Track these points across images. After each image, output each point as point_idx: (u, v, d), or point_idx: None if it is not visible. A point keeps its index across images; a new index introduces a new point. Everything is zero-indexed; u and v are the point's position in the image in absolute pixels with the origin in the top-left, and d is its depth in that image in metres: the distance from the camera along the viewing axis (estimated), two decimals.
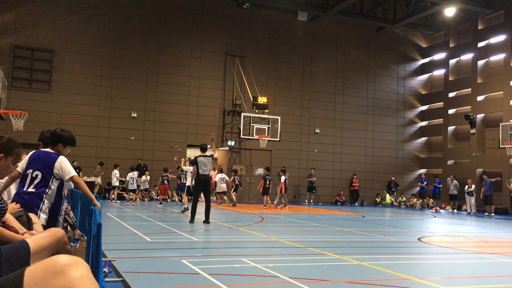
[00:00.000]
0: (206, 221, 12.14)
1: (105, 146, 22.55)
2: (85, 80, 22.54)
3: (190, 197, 15.61)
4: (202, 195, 13.04)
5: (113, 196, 20.07)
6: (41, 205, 4.91)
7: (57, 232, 3.28)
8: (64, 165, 5.04)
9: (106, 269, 5.49)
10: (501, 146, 21.89)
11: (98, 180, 21.19)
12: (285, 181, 20.29)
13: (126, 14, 23.54)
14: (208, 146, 13.31)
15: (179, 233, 10.26)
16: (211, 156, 12.62)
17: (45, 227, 4.71)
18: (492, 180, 21.25)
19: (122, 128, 22.97)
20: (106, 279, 5.13)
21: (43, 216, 4.94)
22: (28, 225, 4.12)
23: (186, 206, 15.98)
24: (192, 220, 12.20)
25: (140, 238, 9.04)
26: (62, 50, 22.20)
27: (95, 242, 4.41)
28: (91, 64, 22.71)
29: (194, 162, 12.55)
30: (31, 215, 4.38)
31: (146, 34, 23.76)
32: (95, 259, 4.31)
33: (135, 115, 23.26)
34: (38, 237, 3.09)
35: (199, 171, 12.33)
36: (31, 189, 4.92)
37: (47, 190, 4.98)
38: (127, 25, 23.49)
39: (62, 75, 22.19)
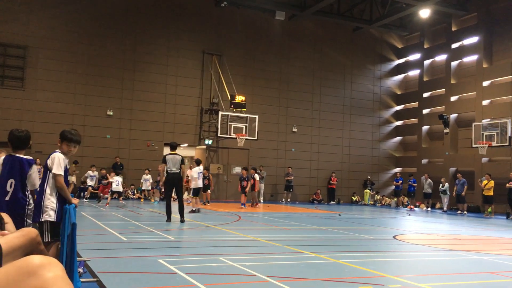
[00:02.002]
0: (181, 220, 12.13)
1: (80, 144, 22.17)
2: (59, 77, 22.13)
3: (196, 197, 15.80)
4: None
5: (87, 195, 20.00)
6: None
7: (30, 232, 3.21)
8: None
9: (81, 269, 5.41)
10: (473, 146, 22.38)
11: (73, 179, 20.88)
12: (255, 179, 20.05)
13: (102, 11, 23.19)
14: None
15: (156, 232, 10.18)
16: (181, 156, 12.61)
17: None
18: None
19: (97, 126, 22.64)
20: (81, 279, 5.06)
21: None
22: (0, 225, 4.03)
23: (194, 208, 15.46)
24: (168, 219, 12.15)
25: (115, 238, 8.93)
26: (36, 47, 21.73)
27: (70, 242, 4.34)
28: (66, 61, 22.30)
29: (163, 160, 12.65)
30: (3, 214, 4.28)
31: (122, 31, 23.46)
32: (69, 259, 4.25)
33: (111, 113, 22.96)
34: (10, 237, 3.02)
35: (167, 169, 12.36)
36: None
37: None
38: (103, 22, 23.15)
39: (35, 72, 21.73)
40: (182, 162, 12.56)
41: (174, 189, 12.68)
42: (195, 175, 15.91)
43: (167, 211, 12.32)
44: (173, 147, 12.92)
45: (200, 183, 16.04)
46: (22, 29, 21.53)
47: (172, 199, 13.47)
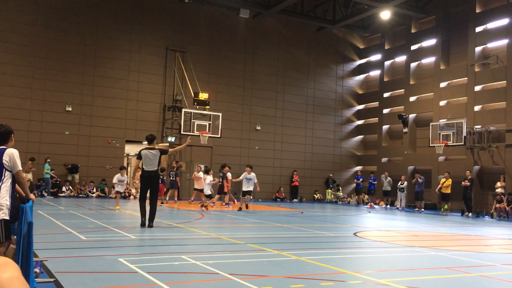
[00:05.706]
0: (149, 225, 10.72)
1: (37, 141, 21.52)
2: (16, 71, 21.35)
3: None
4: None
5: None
6: None
7: None
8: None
9: (37, 270, 5.25)
10: (430, 145, 23.05)
11: (29, 176, 20.22)
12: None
13: (62, 3, 22.52)
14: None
15: (116, 231, 9.99)
16: (159, 150, 10.91)
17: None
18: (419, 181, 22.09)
19: (55, 122, 22.00)
20: (37, 280, 4.91)
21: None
22: None
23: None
24: (143, 223, 10.75)
25: (74, 237, 8.71)
26: None
27: (26, 242, 4.20)
28: (23, 55, 21.54)
29: (138, 156, 11.06)
30: None
31: (83, 24, 22.87)
32: (25, 259, 4.11)
33: (70, 109, 22.35)
34: None
35: (143, 166, 10.81)
36: None
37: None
38: (63, 15, 22.49)
39: None
40: (163, 154, 10.95)
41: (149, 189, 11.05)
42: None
43: (142, 213, 10.91)
44: (149, 140, 11.13)
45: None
46: None
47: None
